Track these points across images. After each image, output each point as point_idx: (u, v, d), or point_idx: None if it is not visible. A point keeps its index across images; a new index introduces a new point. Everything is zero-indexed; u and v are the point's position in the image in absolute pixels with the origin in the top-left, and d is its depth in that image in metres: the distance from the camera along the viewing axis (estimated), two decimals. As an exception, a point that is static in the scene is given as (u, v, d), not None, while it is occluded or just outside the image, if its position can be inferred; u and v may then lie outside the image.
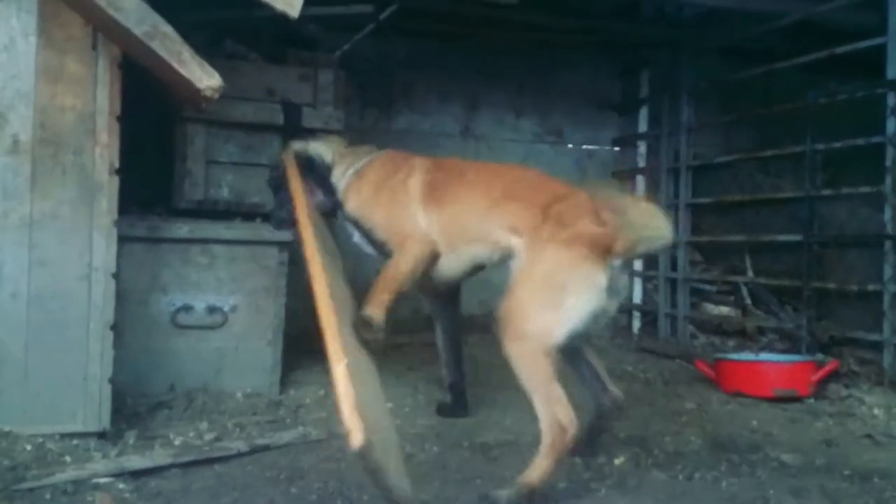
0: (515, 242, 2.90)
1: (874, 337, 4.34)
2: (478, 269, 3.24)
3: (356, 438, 2.10)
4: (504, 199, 3.02)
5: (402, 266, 3.17)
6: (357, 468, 2.78)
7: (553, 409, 2.57)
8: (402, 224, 3.23)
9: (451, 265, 3.22)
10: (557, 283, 2.70)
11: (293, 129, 3.93)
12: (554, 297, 2.68)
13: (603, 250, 2.69)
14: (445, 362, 3.68)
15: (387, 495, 2.23)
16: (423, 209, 3.20)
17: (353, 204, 3.40)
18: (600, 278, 2.68)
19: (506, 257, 2.99)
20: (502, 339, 2.68)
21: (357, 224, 3.43)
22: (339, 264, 3.26)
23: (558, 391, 2.61)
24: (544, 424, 2.57)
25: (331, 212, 3.51)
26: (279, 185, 3.52)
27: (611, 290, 2.72)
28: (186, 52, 2.88)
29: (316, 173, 3.47)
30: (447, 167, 3.34)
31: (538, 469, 2.54)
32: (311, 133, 3.84)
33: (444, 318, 3.71)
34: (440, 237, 3.17)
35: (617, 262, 2.75)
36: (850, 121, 4.65)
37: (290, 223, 3.38)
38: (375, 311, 3.05)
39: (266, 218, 3.90)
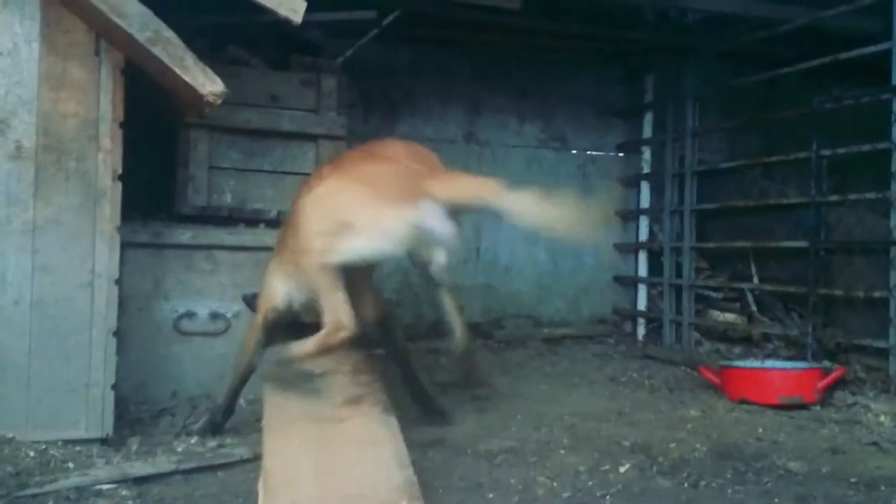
0: None
1: (881, 344, 4.31)
2: None
3: None
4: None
5: None
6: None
7: (335, 311, 2.84)
8: None
9: None
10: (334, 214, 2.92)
11: None
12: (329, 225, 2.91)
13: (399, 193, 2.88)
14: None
15: None
16: None
17: None
18: (380, 214, 2.85)
19: None
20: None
21: None
22: None
23: (340, 298, 2.87)
24: (326, 320, 2.86)
25: None
26: None
27: (414, 230, 2.88)
28: (189, 58, 2.89)
29: None
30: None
31: (303, 346, 2.87)
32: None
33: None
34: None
35: (430, 207, 2.89)
36: (856, 126, 4.64)
37: None
38: None
39: (269, 223, 3.91)
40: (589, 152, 6.76)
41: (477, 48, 6.11)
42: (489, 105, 6.46)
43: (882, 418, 3.76)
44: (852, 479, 2.88)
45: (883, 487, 2.80)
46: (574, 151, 6.72)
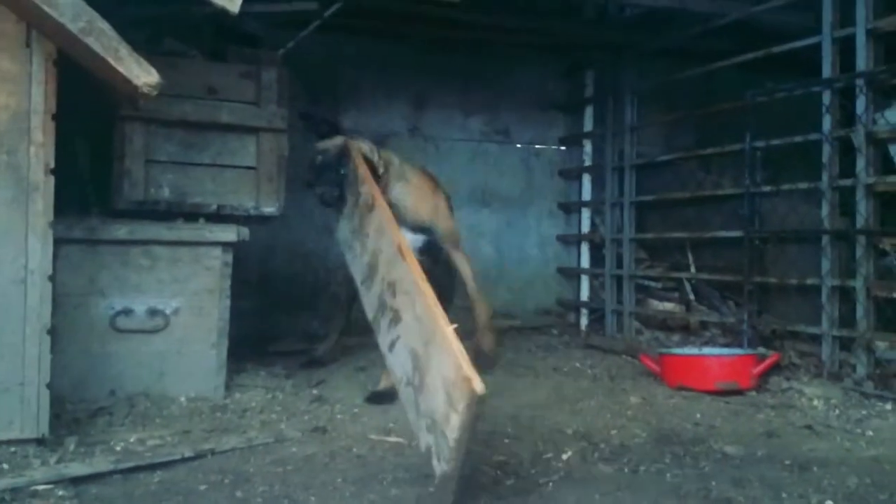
0: None
1: (813, 330, 4.45)
2: None
3: (478, 384, 2.24)
4: None
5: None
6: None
7: None
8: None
9: None
10: None
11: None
12: None
13: None
14: None
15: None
16: None
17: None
18: None
19: None
20: None
21: None
22: None
23: None
24: None
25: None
26: (327, 167, 4.01)
27: None
28: (123, 49, 2.83)
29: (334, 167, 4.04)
30: None
31: None
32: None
33: None
34: None
35: None
36: (789, 119, 4.76)
37: (336, 202, 3.97)
38: None
39: (209, 218, 3.85)
40: (532, 145, 6.82)
41: (421, 41, 6.12)
42: (434, 99, 6.48)
43: (815, 402, 3.88)
44: (787, 462, 2.97)
45: (815, 468, 2.89)
46: (518, 145, 6.77)
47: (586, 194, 6.66)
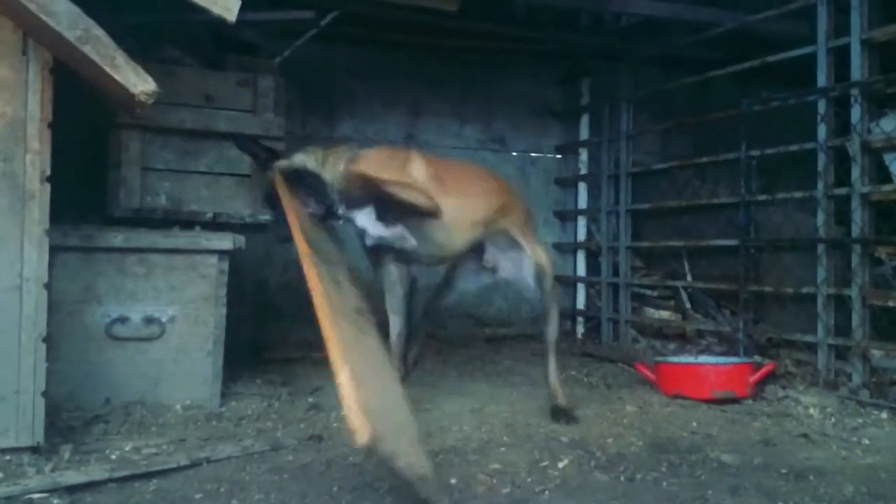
0: None
1: (809, 338, 4.45)
2: None
3: (361, 435, 2.19)
4: None
5: None
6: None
7: None
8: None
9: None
10: None
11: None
12: None
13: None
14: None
15: (407, 479, 2.38)
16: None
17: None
18: None
19: None
20: None
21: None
22: (343, 268, 3.34)
23: None
24: None
25: (328, 215, 3.62)
26: (273, 203, 3.61)
27: None
28: (120, 57, 2.83)
29: (305, 182, 3.58)
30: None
31: None
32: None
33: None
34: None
35: None
36: (784, 128, 4.78)
37: (290, 237, 3.41)
38: None
39: (206, 226, 3.86)
40: (528, 153, 6.83)
41: (417, 50, 6.13)
42: (430, 107, 6.49)
43: (811, 410, 3.88)
44: (783, 470, 2.97)
45: (811, 477, 2.89)
46: (514, 153, 6.78)
47: (582, 202, 6.67)
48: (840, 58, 4.44)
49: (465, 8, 4.73)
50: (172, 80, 3.68)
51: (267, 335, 5.39)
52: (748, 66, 4.98)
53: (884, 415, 3.79)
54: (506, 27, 5.70)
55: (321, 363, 4.66)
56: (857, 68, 4.29)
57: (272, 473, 2.85)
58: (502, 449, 3.20)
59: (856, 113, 4.27)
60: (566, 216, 6.83)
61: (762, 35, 5.18)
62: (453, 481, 2.78)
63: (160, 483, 2.76)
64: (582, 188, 6.68)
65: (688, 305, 5.88)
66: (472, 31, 5.59)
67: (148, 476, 2.79)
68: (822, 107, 4.46)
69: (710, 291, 5.67)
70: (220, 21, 3.09)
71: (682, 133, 6.44)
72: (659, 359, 4.69)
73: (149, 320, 3.60)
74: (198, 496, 2.63)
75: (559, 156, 6.91)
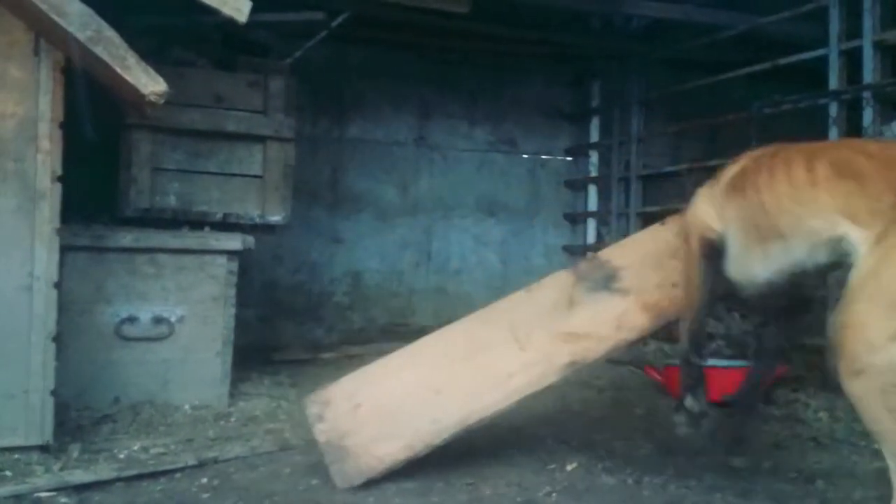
0: (853, 236, 2.24)
1: (819, 342, 4.42)
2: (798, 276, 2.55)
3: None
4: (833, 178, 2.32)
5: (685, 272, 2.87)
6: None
7: None
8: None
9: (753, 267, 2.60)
10: None
11: None
12: None
13: None
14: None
15: (318, 439, 2.82)
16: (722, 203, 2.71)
17: None
18: None
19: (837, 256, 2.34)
20: (839, 370, 2.13)
21: None
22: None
23: None
24: None
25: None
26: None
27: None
28: (131, 58, 2.84)
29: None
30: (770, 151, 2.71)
31: None
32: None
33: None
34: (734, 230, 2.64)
35: None
36: (795, 130, 4.74)
37: None
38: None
39: (215, 226, 3.87)
40: (538, 156, 6.82)
41: (427, 52, 6.14)
42: (440, 108, 6.49)
43: (820, 414, 3.87)
44: (792, 474, 2.96)
45: (820, 481, 2.88)
46: (524, 155, 6.77)
47: (592, 205, 6.66)
48: (852, 60, 4.42)
49: (475, 10, 4.73)
50: (183, 80, 3.69)
51: (276, 336, 5.40)
52: (759, 69, 4.95)
53: (894, 419, 3.76)
54: (515, 29, 5.69)
55: (330, 364, 4.72)
56: (870, 71, 4.26)
57: (279, 474, 2.86)
58: (511, 451, 3.19)
59: (868, 116, 4.25)
60: (576, 218, 6.81)
61: (774, 37, 5.16)
62: (462, 482, 2.78)
63: (167, 483, 2.77)
64: (592, 190, 6.67)
65: (698, 308, 5.84)
66: (482, 33, 5.59)
67: (155, 475, 2.81)
68: (833, 109, 4.43)
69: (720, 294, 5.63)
70: (231, 22, 3.10)
71: (693, 135, 6.41)
72: (668, 362, 4.66)
73: (158, 320, 3.62)
74: (205, 496, 2.64)
75: (569, 158, 6.90)
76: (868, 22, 4.29)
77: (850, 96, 4.41)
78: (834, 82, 4.47)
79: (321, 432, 2.80)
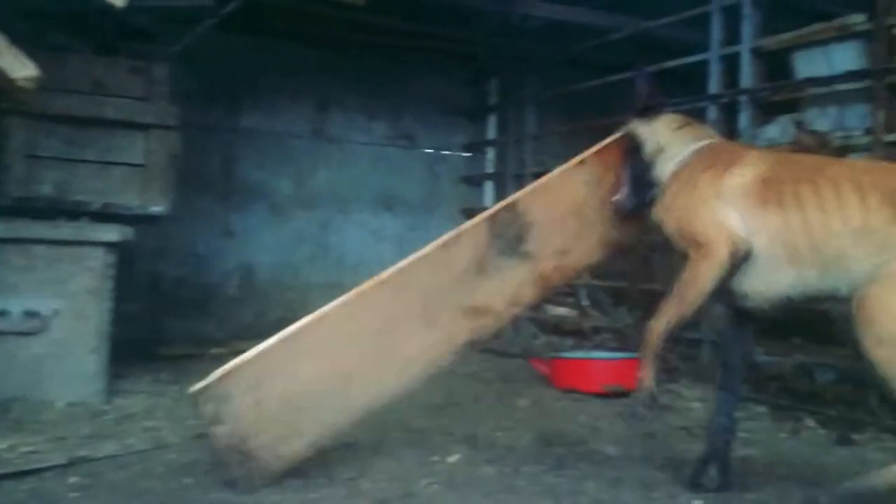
0: None
1: (694, 335, 4.61)
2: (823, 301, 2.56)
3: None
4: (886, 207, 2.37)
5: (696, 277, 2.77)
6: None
7: None
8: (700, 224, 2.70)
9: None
10: None
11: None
12: None
13: None
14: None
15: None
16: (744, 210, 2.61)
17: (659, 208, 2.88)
18: None
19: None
20: (864, 340, 2.30)
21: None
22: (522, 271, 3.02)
23: None
24: None
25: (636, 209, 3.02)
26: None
27: None
28: (1, 42, 2.73)
29: (638, 163, 2.99)
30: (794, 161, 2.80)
31: None
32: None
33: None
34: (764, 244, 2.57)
35: None
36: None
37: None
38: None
39: (94, 216, 3.73)
40: (437, 151, 6.86)
41: (326, 44, 6.08)
42: (338, 101, 6.46)
43: (694, 404, 4.04)
44: (661, 462, 3.07)
45: (687, 468, 2.99)
46: (423, 150, 6.80)
47: (488, 200, 6.73)
48: (731, 65, 4.61)
49: (373, 2, 4.70)
50: (60, 66, 3.56)
51: (162, 331, 5.26)
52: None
53: (761, 409, 3.96)
54: (413, 23, 5.70)
55: (220, 359, 4.62)
56: (747, 76, 4.47)
57: (153, 472, 2.79)
58: (395, 445, 3.21)
59: (744, 119, 4.45)
60: (473, 213, 6.85)
61: (660, 41, 5.34)
62: (343, 476, 2.78)
63: (36, 482, 2.67)
64: (488, 186, 6.76)
65: (587, 303, 6.01)
66: (380, 26, 5.58)
67: (23, 475, 2.70)
68: (712, 112, 4.63)
69: (607, 289, 5.81)
70: (109, 6, 3.01)
71: (584, 135, 6.55)
72: (553, 354, 4.78)
73: (30, 314, 3.48)
74: (74, 495, 2.56)
75: (467, 154, 6.96)
76: (747, 29, 4.49)
77: (727, 100, 4.61)
78: (714, 86, 4.66)
79: (220, 437, 2.59)
